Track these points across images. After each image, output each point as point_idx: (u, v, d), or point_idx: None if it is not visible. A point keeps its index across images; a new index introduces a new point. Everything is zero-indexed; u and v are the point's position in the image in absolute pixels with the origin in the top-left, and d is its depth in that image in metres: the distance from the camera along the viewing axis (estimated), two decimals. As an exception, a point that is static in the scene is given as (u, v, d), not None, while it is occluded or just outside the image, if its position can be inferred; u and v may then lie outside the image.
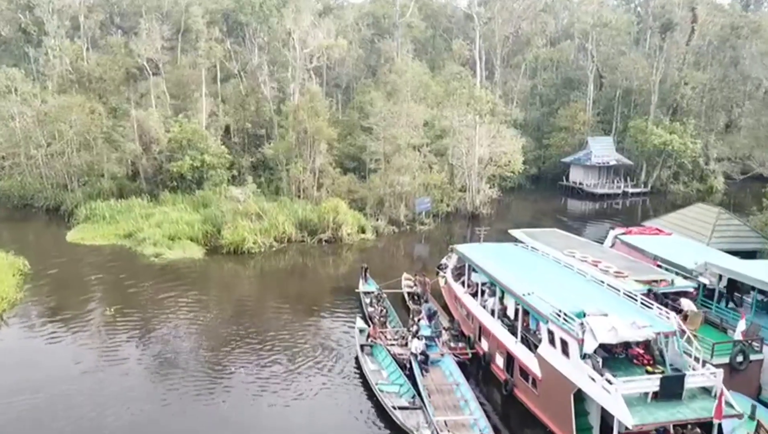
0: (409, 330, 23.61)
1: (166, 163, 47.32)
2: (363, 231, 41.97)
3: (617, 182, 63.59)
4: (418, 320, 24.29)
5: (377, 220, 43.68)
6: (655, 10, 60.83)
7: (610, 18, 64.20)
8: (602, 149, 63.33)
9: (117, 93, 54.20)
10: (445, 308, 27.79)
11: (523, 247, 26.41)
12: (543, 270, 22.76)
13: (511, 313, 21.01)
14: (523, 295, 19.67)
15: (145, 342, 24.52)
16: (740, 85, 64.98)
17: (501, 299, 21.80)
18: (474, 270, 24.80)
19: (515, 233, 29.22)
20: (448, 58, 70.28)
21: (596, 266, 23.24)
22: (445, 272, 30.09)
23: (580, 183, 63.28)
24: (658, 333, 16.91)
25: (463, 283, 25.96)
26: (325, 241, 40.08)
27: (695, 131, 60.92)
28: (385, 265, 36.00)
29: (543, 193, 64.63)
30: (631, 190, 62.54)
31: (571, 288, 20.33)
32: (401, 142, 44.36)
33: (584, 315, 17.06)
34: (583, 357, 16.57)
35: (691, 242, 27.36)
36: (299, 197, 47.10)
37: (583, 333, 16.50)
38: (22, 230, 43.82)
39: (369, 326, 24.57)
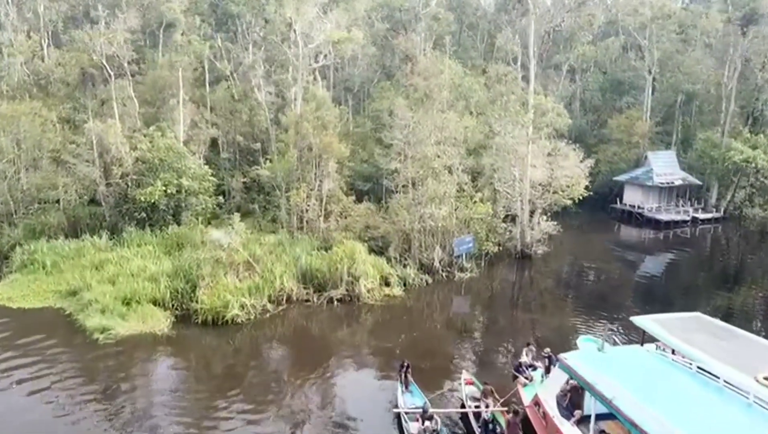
0: None
1: (132, 189, 36.92)
2: (387, 283, 31.66)
3: (682, 205, 53.26)
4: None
5: (404, 266, 33.25)
6: (737, -2, 50.40)
7: (674, 9, 53.88)
8: (665, 166, 52.91)
9: (72, 99, 43.70)
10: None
11: (677, 361, 15.82)
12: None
13: None
14: None
15: None
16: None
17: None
18: (596, 398, 14.52)
19: (642, 322, 18.62)
20: (477, 56, 60.08)
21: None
22: (526, 375, 19.81)
23: (639, 206, 52.83)
24: None
25: (579, 422, 15.57)
26: (338, 300, 29.72)
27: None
28: (424, 344, 25.47)
29: (591, 217, 54.18)
30: (701, 216, 52.10)
31: None
32: (436, 164, 33.84)
33: None
34: None
35: None
36: (302, 229, 37.09)
37: None
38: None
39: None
